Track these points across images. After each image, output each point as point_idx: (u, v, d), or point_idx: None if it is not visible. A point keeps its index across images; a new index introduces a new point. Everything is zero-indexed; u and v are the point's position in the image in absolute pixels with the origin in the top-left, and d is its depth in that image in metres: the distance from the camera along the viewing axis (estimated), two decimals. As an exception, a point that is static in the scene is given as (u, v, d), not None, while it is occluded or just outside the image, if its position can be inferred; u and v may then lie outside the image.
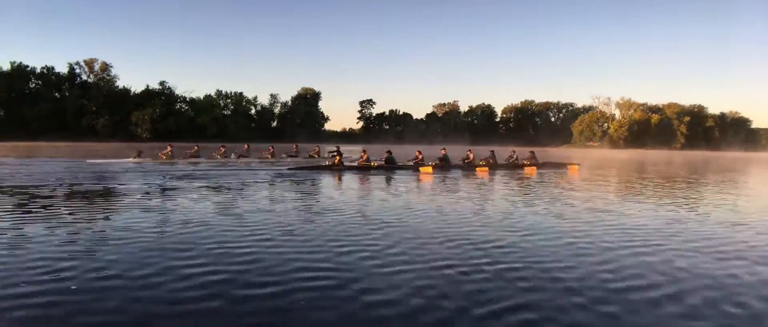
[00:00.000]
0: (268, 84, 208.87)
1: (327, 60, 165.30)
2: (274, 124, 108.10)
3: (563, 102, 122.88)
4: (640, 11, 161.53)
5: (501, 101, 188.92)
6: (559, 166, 24.41)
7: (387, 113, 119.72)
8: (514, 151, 24.86)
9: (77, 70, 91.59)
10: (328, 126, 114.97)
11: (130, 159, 22.90)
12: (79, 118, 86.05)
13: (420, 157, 21.12)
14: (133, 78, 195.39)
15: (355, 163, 20.30)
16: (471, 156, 22.44)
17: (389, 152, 21.58)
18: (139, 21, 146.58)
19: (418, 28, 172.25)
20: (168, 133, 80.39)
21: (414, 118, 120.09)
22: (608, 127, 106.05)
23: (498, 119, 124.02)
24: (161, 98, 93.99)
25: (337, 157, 20.31)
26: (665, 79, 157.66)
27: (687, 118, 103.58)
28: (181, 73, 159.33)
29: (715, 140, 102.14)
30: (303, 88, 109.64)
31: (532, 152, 24.66)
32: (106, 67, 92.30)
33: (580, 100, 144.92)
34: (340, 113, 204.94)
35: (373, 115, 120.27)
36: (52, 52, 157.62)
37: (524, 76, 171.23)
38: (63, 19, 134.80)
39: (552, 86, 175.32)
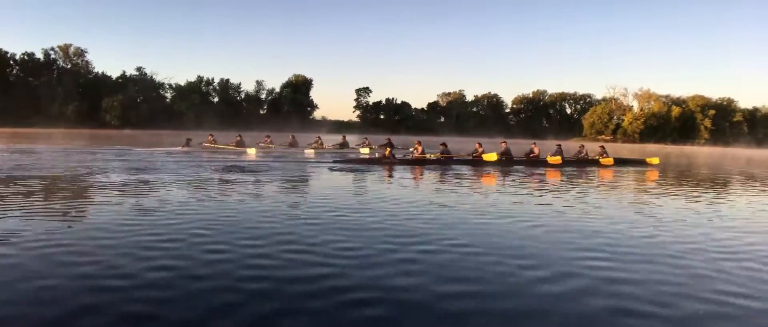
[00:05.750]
0: (259, 71, 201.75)
1: (322, 47, 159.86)
2: (263, 111, 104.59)
3: (580, 93, 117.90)
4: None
5: (510, 91, 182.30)
6: (637, 162, 23.55)
7: (383, 102, 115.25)
8: (584, 146, 24.55)
9: (53, 56, 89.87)
10: (322, 115, 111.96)
11: (180, 147, 24.50)
12: (51, 105, 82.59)
13: (480, 150, 20.69)
14: (115, 64, 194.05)
15: (410, 156, 20.33)
16: (536, 150, 22.11)
17: (444, 144, 21.47)
18: (123, 4, 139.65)
19: (420, 14, 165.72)
20: (140, 121, 77.88)
21: (414, 107, 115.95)
22: (622, 120, 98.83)
23: (508, 110, 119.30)
24: (138, 84, 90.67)
25: (388, 150, 20.24)
26: (693, 70, 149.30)
27: (712, 112, 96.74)
28: (166, 59, 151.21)
29: (743, 136, 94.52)
30: (294, 75, 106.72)
31: (603, 147, 23.53)
32: (80, 52, 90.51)
33: (599, 91, 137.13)
34: (335, 102, 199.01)
35: (370, 104, 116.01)
36: (32, 39, 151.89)
37: (536, 65, 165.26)
38: (44, 4, 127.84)
39: (568, 76, 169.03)
